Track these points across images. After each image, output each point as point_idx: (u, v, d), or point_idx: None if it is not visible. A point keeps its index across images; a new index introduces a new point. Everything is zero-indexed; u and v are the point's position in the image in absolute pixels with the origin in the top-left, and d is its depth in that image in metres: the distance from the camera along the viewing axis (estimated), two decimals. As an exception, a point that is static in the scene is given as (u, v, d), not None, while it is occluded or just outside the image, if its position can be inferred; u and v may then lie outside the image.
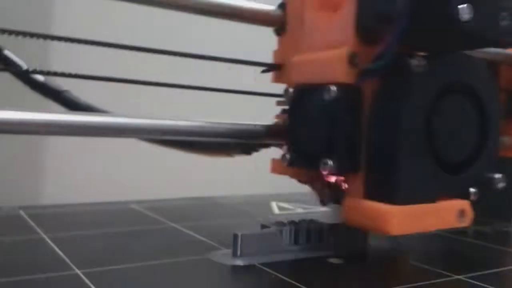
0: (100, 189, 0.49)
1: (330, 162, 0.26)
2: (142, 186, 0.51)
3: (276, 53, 0.32)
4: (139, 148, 0.54)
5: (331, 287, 0.25)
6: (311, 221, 0.30)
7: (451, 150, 0.27)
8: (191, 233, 0.34)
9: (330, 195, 0.30)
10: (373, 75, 0.26)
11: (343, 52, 0.26)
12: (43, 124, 0.25)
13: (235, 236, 0.28)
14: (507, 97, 0.41)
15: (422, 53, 0.26)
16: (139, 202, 0.44)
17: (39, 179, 0.51)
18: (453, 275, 0.27)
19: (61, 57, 0.43)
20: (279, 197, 0.47)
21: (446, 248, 0.34)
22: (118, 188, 0.49)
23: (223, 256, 0.28)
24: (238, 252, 0.28)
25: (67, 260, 0.26)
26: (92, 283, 0.23)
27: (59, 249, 0.29)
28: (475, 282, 0.26)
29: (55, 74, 0.27)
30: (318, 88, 0.27)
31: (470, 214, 0.27)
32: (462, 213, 0.27)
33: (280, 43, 0.32)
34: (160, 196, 0.47)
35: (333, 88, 0.26)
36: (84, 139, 0.52)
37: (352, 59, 0.26)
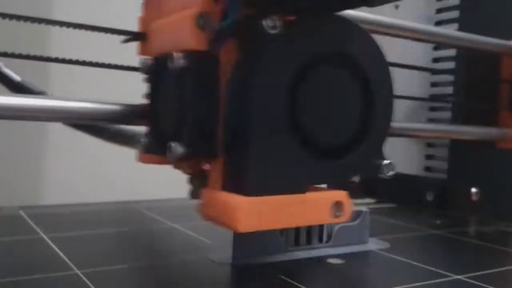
0: (100, 189, 0.49)
1: (175, 145, 0.22)
2: (142, 186, 0.51)
3: (141, 20, 0.28)
4: (139, 148, 0.54)
5: (331, 287, 0.25)
6: None
7: (324, 131, 0.23)
8: (191, 233, 0.34)
9: (197, 186, 0.25)
10: (224, 39, 0.22)
11: (190, 12, 0.22)
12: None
13: None
14: (510, 89, 0.41)
15: (287, 16, 0.22)
16: (139, 202, 0.44)
17: (39, 179, 0.51)
18: (453, 275, 0.27)
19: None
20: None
21: (446, 248, 0.34)
22: (118, 188, 0.49)
23: (223, 256, 0.28)
24: (238, 252, 0.28)
25: (67, 260, 0.26)
26: (92, 283, 0.23)
27: (59, 249, 0.29)
28: (475, 282, 0.26)
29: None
30: (167, 57, 0.22)
31: (348, 207, 0.23)
32: (338, 206, 0.23)
33: (144, 8, 0.27)
34: (160, 196, 0.47)
35: (177, 55, 0.22)
36: (84, 139, 0.52)
37: (200, 21, 0.21)
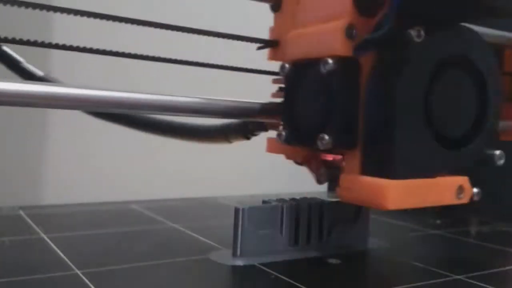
0: (100, 189, 0.49)
1: (327, 137, 0.25)
2: (142, 186, 0.51)
3: (272, 29, 0.32)
4: (140, 148, 0.54)
5: (331, 287, 0.25)
6: (312, 198, 0.31)
7: (449, 125, 0.26)
8: (191, 233, 0.34)
9: (326, 173, 0.29)
10: (371, 47, 0.25)
11: (340, 24, 0.25)
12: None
13: (237, 211, 0.28)
14: (511, 81, 0.41)
15: (420, 26, 0.25)
16: (139, 202, 0.44)
17: (39, 179, 0.51)
18: (453, 275, 0.27)
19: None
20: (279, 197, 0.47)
21: (446, 248, 0.34)
22: (118, 188, 0.49)
23: (223, 256, 0.28)
24: (238, 252, 0.28)
25: (67, 260, 0.26)
26: (92, 283, 0.23)
27: (59, 249, 0.29)
28: (475, 282, 0.26)
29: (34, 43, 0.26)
30: (314, 62, 0.26)
31: (469, 190, 0.27)
32: (460, 189, 0.27)
33: (276, 19, 0.31)
34: (160, 196, 0.47)
35: (330, 60, 0.25)
36: (84, 139, 0.52)
37: (349, 31, 0.25)
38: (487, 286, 0.25)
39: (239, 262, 0.27)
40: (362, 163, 0.26)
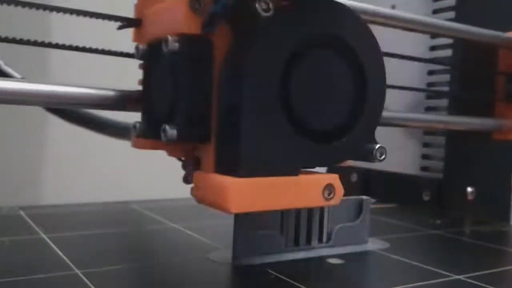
0: (100, 189, 0.49)
1: (168, 128, 0.22)
2: (142, 186, 0.51)
3: (136, 6, 0.28)
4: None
5: (331, 287, 0.25)
6: None
7: (315, 115, 0.23)
8: (191, 233, 0.34)
9: (191, 171, 0.25)
10: (216, 22, 0.22)
11: None
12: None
13: None
14: (506, 81, 0.41)
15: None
16: (139, 202, 0.44)
17: (39, 179, 0.51)
18: (453, 275, 0.27)
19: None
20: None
21: (446, 248, 0.34)
22: (118, 188, 0.49)
23: (223, 256, 0.28)
24: (238, 252, 0.28)
25: (67, 260, 0.26)
26: (92, 283, 0.23)
27: (59, 249, 0.29)
28: (475, 282, 0.26)
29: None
30: (160, 41, 0.23)
31: (339, 190, 0.23)
32: (329, 188, 0.23)
33: None
34: (160, 196, 0.47)
35: (171, 38, 0.22)
36: (83, 139, 0.52)
37: (193, 4, 0.22)
38: (487, 286, 0.25)
39: (239, 262, 0.27)
40: (215, 159, 0.23)
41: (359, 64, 0.24)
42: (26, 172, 0.50)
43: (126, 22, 0.27)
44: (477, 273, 0.27)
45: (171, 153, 0.26)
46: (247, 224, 0.28)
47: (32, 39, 0.25)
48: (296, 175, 0.22)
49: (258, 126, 0.21)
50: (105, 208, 0.42)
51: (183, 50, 0.22)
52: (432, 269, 0.28)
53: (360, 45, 0.24)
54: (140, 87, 0.27)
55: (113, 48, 0.27)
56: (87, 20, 0.26)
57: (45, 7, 0.25)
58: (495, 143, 0.44)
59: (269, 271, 0.26)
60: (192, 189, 0.24)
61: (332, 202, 0.23)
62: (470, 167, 0.45)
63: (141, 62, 0.27)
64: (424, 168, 0.49)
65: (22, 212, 0.38)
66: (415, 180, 0.49)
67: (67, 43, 0.26)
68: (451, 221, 0.42)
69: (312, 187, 0.23)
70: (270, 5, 0.21)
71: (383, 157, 0.24)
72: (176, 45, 0.22)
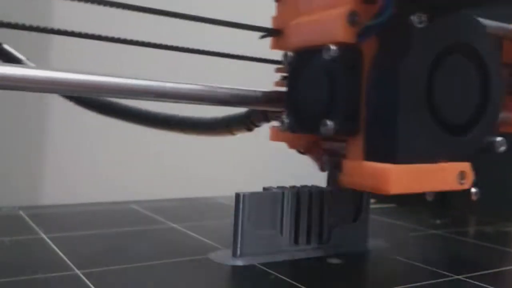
0: (100, 189, 0.49)
1: (330, 123, 0.25)
2: (142, 186, 0.51)
3: (275, 18, 0.32)
4: (139, 148, 0.54)
5: (331, 287, 0.25)
6: (313, 186, 0.31)
7: (452, 111, 0.27)
8: (191, 233, 0.34)
9: (329, 161, 0.29)
10: (373, 33, 0.26)
11: (342, 10, 0.26)
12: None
13: (237, 196, 0.28)
14: (510, 73, 0.41)
15: (423, 12, 0.26)
16: (139, 202, 0.44)
17: (39, 179, 0.51)
18: (453, 275, 0.27)
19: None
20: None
21: (446, 248, 0.34)
22: (118, 188, 0.49)
23: (223, 256, 0.28)
24: (238, 252, 0.28)
25: (67, 260, 0.26)
26: (92, 283, 0.23)
27: (59, 249, 0.29)
28: (475, 282, 0.26)
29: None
30: (317, 49, 0.26)
31: (470, 176, 0.27)
32: (462, 175, 0.27)
33: (279, 8, 0.32)
34: (160, 196, 0.47)
35: (333, 47, 0.25)
36: (83, 139, 0.52)
37: (351, 17, 0.25)
38: (487, 286, 0.25)
39: (239, 262, 0.27)
40: (365, 149, 0.26)
41: (484, 66, 0.28)
42: (26, 172, 0.50)
43: (267, 33, 0.31)
44: (477, 273, 0.27)
45: (292, 146, 0.31)
46: (247, 224, 0.28)
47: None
48: (437, 162, 0.26)
49: (409, 120, 0.25)
50: (105, 208, 0.42)
51: (342, 56, 0.26)
52: (432, 269, 0.28)
53: (485, 52, 0.28)
54: (276, 88, 0.31)
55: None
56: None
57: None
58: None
59: (269, 271, 0.26)
60: (341, 176, 0.27)
61: (465, 186, 0.27)
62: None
63: (279, 66, 0.31)
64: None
65: (22, 212, 0.38)
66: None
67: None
68: (451, 221, 0.42)
69: (449, 173, 0.26)
70: (423, 18, 0.24)
71: (503, 148, 0.28)
72: (337, 52, 0.25)
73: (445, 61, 0.26)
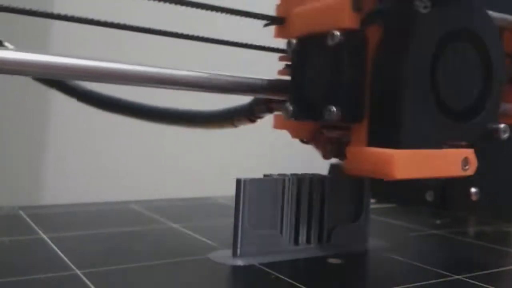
0: (100, 189, 0.49)
1: (334, 109, 0.25)
2: (142, 186, 0.51)
3: (278, 6, 0.31)
4: (139, 148, 0.54)
5: (331, 287, 0.25)
6: (314, 174, 0.31)
7: (455, 97, 0.27)
8: (191, 233, 0.34)
9: (332, 149, 0.30)
10: (377, 19, 0.26)
11: None
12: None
13: (238, 182, 0.28)
14: (511, 63, 0.41)
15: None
16: (139, 202, 0.44)
17: (39, 179, 0.51)
18: (453, 275, 0.27)
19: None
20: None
21: (446, 248, 0.34)
22: (118, 188, 0.49)
23: (223, 256, 0.28)
24: (238, 252, 0.28)
25: (67, 260, 0.26)
26: (92, 283, 0.23)
27: (59, 249, 0.29)
28: (475, 282, 0.26)
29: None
30: (322, 36, 0.26)
31: (474, 162, 0.27)
32: (466, 161, 0.27)
33: None
34: (160, 196, 0.47)
35: (337, 33, 0.25)
36: (84, 139, 0.52)
37: (355, 4, 0.26)
38: (487, 286, 0.25)
39: (239, 262, 0.27)
40: (369, 135, 0.26)
41: (487, 53, 0.27)
42: (26, 172, 0.50)
43: (271, 21, 0.31)
44: (477, 273, 0.27)
45: (296, 135, 0.31)
46: (247, 224, 0.28)
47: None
48: (441, 148, 0.26)
49: (413, 106, 0.25)
50: (105, 208, 0.42)
51: (346, 42, 0.25)
52: (432, 269, 0.28)
53: (488, 38, 0.27)
54: (280, 77, 0.31)
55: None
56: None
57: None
58: (500, 143, 0.44)
59: (269, 271, 0.26)
60: (346, 162, 0.27)
61: (468, 172, 0.27)
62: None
63: (283, 54, 0.31)
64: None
65: (22, 212, 0.38)
66: (418, 180, 0.48)
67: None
68: (451, 221, 0.42)
69: (453, 159, 0.26)
70: (428, 3, 0.24)
71: (506, 135, 0.28)
72: (341, 38, 0.25)
73: (449, 47, 0.26)
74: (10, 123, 0.48)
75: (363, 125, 0.26)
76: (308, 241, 0.30)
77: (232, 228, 0.28)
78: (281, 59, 0.31)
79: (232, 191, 0.28)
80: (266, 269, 0.26)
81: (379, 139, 0.25)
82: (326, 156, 0.30)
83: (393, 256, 0.30)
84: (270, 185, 0.29)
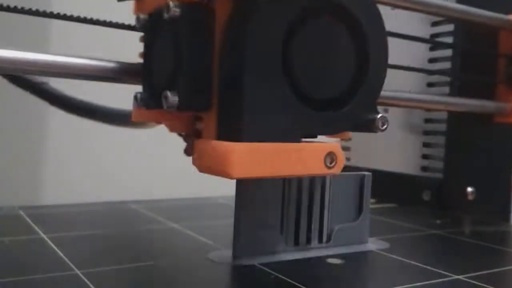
0: (100, 189, 0.49)
1: (169, 94, 0.22)
2: (142, 186, 0.51)
3: None
4: (140, 148, 0.54)
5: (331, 287, 0.25)
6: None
7: (317, 83, 0.23)
8: (191, 233, 0.34)
9: (192, 143, 0.25)
10: None
11: None
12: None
13: (238, 182, 0.27)
14: (507, 63, 0.41)
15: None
16: (139, 202, 0.44)
17: (39, 179, 0.51)
18: (453, 275, 0.27)
19: None
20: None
21: (446, 248, 0.34)
22: (118, 188, 0.49)
23: (223, 256, 0.28)
24: (238, 252, 0.28)
25: (67, 260, 0.26)
26: (92, 283, 0.23)
27: (59, 249, 0.29)
28: (475, 282, 0.26)
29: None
30: (161, 10, 0.23)
31: (341, 159, 0.23)
32: (331, 157, 0.23)
33: None
34: (160, 196, 0.47)
35: (172, 4, 0.22)
36: (83, 139, 0.52)
37: None
38: (487, 286, 0.25)
39: (239, 262, 0.27)
40: (217, 127, 0.23)
41: (362, 34, 0.24)
42: (26, 172, 0.50)
43: None
44: (477, 273, 0.27)
45: (172, 129, 0.26)
46: (247, 224, 0.28)
47: (34, 8, 0.25)
48: (298, 142, 0.22)
49: (260, 92, 0.21)
50: (105, 208, 0.42)
51: (184, 16, 0.22)
52: (432, 269, 0.28)
53: (363, 15, 0.24)
54: (141, 60, 0.26)
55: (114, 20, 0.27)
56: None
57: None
58: (496, 143, 0.44)
59: (269, 271, 0.26)
60: (193, 159, 0.23)
61: (333, 171, 0.23)
62: (470, 167, 0.45)
63: (142, 34, 0.26)
64: (424, 168, 0.49)
65: (22, 212, 0.38)
66: (415, 180, 0.49)
67: (68, 13, 0.26)
68: (451, 221, 0.42)
69: (313, 155, 0.22)
70: None
71: (384, 127, 0.24)
72: (178, 10, 0.22)
73: (308, 25, 0.22)
74: (10, 123, 0.48)
75: (212, 115, 0.23)
76: (308, 241, 0.30)
77: (232, 228, 0.28)
78: (142, 39, 0.27)
79: (232, 191, 0.28)
80: (266, 269, 0.26)
81: (225, 131, 0.22)
82: (187, 151, 0.27)
83: (393, 256, 0.30)
84: (270, 185, 0.29)
